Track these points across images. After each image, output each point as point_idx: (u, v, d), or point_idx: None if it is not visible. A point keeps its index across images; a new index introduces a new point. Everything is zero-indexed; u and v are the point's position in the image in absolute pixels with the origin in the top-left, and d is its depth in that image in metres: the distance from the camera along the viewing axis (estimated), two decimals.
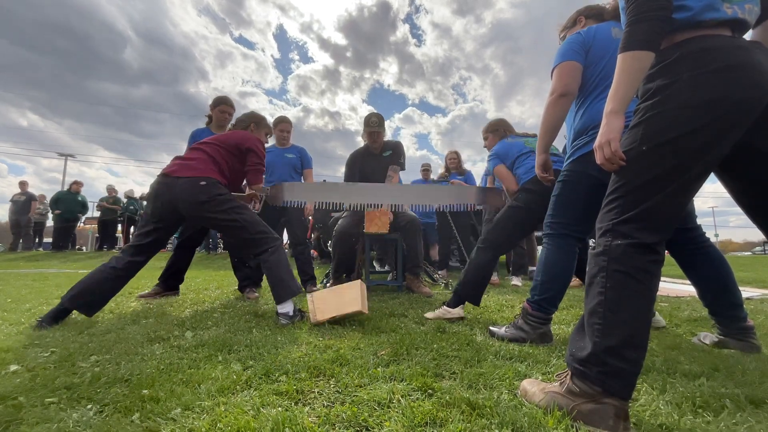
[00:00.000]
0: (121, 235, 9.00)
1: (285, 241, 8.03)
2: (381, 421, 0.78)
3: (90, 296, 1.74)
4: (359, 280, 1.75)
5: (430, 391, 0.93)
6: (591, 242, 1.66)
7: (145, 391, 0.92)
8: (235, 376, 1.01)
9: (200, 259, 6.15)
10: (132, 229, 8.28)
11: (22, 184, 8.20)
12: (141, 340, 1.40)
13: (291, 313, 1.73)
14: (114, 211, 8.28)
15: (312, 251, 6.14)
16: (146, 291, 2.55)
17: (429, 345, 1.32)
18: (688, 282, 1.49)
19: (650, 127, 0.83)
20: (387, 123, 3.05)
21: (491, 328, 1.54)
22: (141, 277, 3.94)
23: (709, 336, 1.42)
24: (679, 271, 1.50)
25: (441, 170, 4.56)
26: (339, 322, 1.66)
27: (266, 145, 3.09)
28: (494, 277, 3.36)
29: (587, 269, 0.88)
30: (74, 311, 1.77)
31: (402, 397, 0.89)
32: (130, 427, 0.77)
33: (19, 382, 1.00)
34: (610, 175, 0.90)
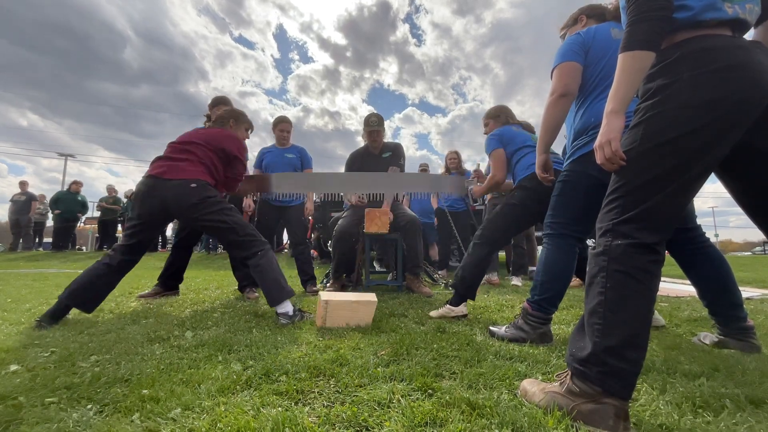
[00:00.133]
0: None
1: (285, 241, 8.03)
2: (381, 421, 0.78)
3: (87, 293, 1.77)
4: (374, 296, 1.71)
5: (430, 391, 0.93)
6: (590, 242, 1.67)
7: (145, 391, 0.92)
8: (235, 376, 1.01)
9: (200, 259, 6.16)
10: None
11: (23, 184, 8.20)
12: (141, 340, 1.40)
13: (291, 313, 1.73)
14: (114, 211, 8.28)
15: (312, 251, 6.14)
16: (146, 291, 2.55)
17: (429, 345, 1.32)
18: (688, 282, 1.49)
19: (650, 126, 0.83)
20: (387, 123, 3.06)
21: (491, 328, 1.54)
22: (141, 277, 3.94)
23: (709, 336, 1.42)
24: (679, 271, 1.50)
25: (441, 170, 4.57)
26: None
27: (266, 145, 3.10)
28: (494, 277, 3.37)
29: (587, 269, 0.88)
30: (72, 312, 1.78)
31: (402, 397, 0.89)
32: (130, 427, 0.77)
33: (19, 382, 1.00)
34: (611, 175, 0.90)
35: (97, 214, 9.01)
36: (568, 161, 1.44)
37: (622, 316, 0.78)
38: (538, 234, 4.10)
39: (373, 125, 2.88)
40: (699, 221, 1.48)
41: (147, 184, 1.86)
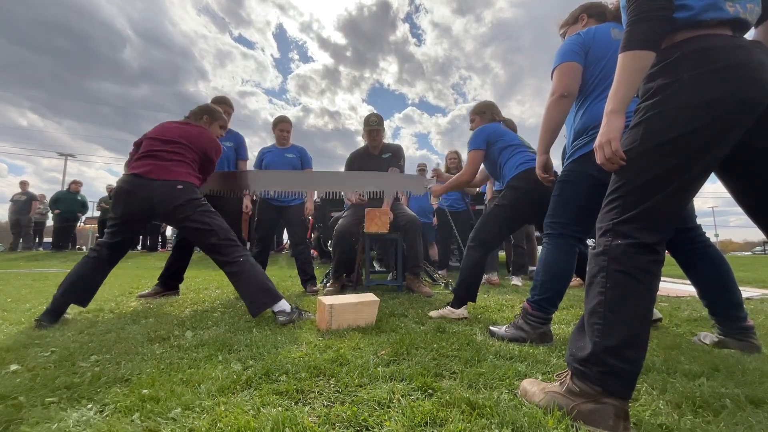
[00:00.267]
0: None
1: (285, 241, 8.01)
2: (381, 421, 0.78)
3: (79, 287, 1.78)
4: (377, 299, 1.71)
5: (430, 390, 0.93)
6: (590, 242, 1.67)
7: (145, 390, 0.92)
8: (235, 376, 1.01)
9: (200, 259, 6.15)
10: None
11: (23, 184, 8.20)
12: (141, 340, 1.40)
13: (288, 310, 1.72)
14: None
15: (312, 251, 6.14)
16: (146, 291, 2.55)
17: (429, 345, 1.32)
18: (688, 282, 1.49)
19: (650, 126, 0.83)
20: (387, 123, 3.07)
21: (491, 327, 1.54)
22: (141, 277, 3.94)
23: (709, 336, 1.42)
24: (679, 271, 1.50)
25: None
26: None
27: (266, 145, 3.10)
28: (494, 277, 3.37)
29: (587, 269, 0.88)
30: (72, 312, 1.78)
31: (402, 396, 0.89)
32: (130, 427, 0.77)
33: (19, 381, 1.00)
34: (611, 175, 0.90)
35: (97, 213, 9.01)
36: (568, 161, 1.44)
37: (622, 316, 0.78)
38: (539, 234, 4.09)
39: (373, 125, 2.89)
40: (699, 221, 1.48)
41: (131, 183, 1.83)
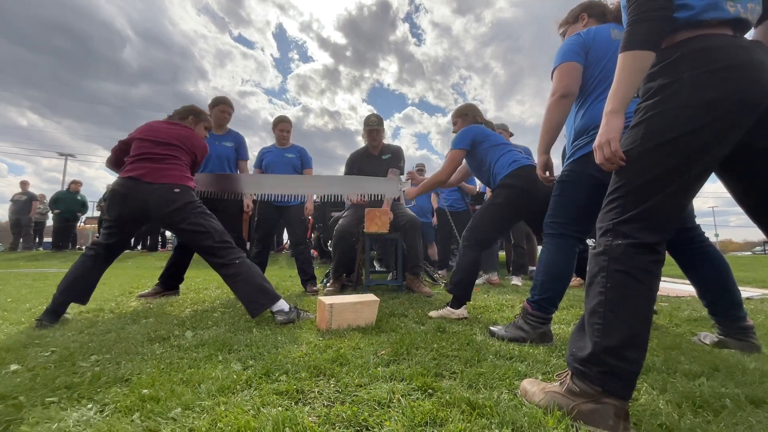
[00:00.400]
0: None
1: (285, 241, 8.00)
2: (381, 421, 0.78)
3: (78, 286, 1.79)
4: (377, 299, 1.71)
5: (430, 390, 0.93)
6: (590, 242, 1.67)
7: (146, 390, 0.92)
8: (235, 376, 1.01)
9: (200, 259, 6.15)
10: None
11: (23, 184, 8.20)
12: (141, 340, 1.40)
13: (287, 309, 1.72)
14: None
15: (312, 251, 6.14)
16: (146, 291, 2.56)
17: (429, 345, 1.32)
18: (688, 282, 1.49)
19: (651, 126, 0.83)
20: (387, 123, 3.09)
21: (491, 327, 1.54)
22: (141, 276, 3.94)
23: (709, 336, 1.42)
24: (679, 271, 1.50)
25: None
26: None
27: (266, 145, 3.10)
28: (494, 277, 3.36)
29: (588, 269, 0.88)
30: (72, 311, 1.78)
31: (402, 396, 0.89)
32: (131, 427, 0.77)
33: (19, 381, 1.00)
34: (611, 175, 0.90)
35: (97, 213, 9.02)
36: (568, 161, 1.44)
37: (622, 316, 0.78)
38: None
39: (373, 125, 2.90)
40: (699, 221, 1.48)
41: (127, 186, 1.83)
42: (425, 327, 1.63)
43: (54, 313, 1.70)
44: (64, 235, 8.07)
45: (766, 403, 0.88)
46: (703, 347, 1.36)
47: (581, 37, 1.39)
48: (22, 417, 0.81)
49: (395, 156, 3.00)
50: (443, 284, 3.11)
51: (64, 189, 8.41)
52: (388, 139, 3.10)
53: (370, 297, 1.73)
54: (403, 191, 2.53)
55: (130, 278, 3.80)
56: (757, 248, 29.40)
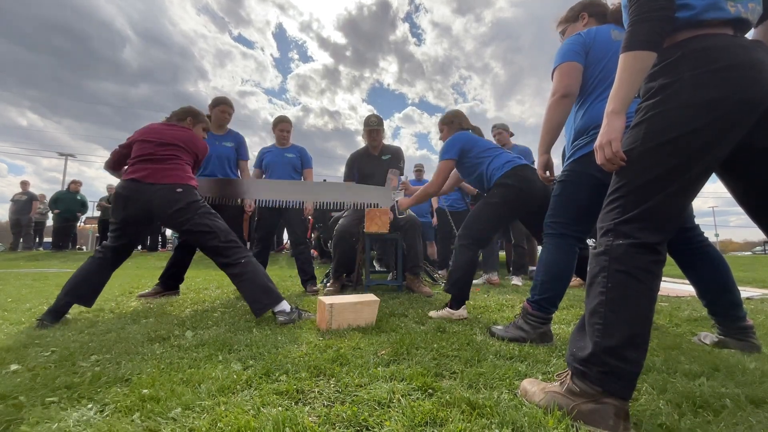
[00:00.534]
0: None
1: (285, 241, 8.01)
2: (381, 421, 0.78)
3: (84, 288, 1.79)
4: (377, 298, 1.71)
5: (430, 390, 0.93)
6: (590, 242, 1.67)
7: (146, 390, 0.92)
8: (235, 376, 1.01)
9: (200, 259, 6.15)
10: None
11: (24, 184, 8.20)
12: (141, 340, 1.40)
13: (288, 310, 1.73)
14: None
15: (312, 251, 6.14)
16: (146, 291, 2.56)
17: (429, 345, 1.32)
18: (688, 282, 1.48)
19: (652, 126, 0.83)
20: (387, 123, 3.10)
21: (491, 327, 1.54)
22: (141, 276, 3.94)
23: (709, 336, 1.42)
24: (679, 271, 1.50)
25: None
26: None
27: (266, 145, 3.11)
28: (494, 277, 3.36)
29: (588, 269, 0.88)
30: (73, 311, 1.79)
31: (402, 396, 0.89)
32: (131, 427, 0.77)
33: (19, 381, 1.00)
34: (611, 175, 0.90)
35: (97, 213, 9.01)
36: (568, 161, 1.43)
37: (622, 316, 0.78)
38: None
39: (373, 125, 2.91)
40: (699, 221, 1.48)
41: (129, 188, 1.83)
42: (425, 327, 1.63)
43: (56, 314, 1.71)
44: (64, 235, 8.07)
45: (767, 403, 0.88)
46: (703, 347, 1.36)
47: (581, 37, 1.39)
48: (22, 417, 0.81)
49: (395, 156, 3.00)
50: (443, 284, 3.11)
51: (64, 189, 8.41)
52: (388, 139, 3.11)
53: (370, 297, 1.73)
54: (396, 201, 2.54)
55: (130, 278, 3.80)
56: (757, 248, 29.39)
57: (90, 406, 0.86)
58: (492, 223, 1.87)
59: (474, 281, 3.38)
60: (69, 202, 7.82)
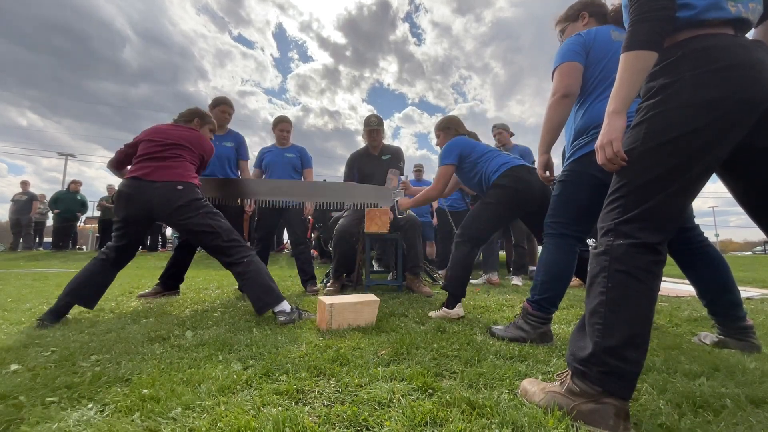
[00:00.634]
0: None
1: (285, 241, 8.01)
2: (381, 421, 0.78)
3: (86, 289, 1.79)
4: (377, 298, 1.71)
5: (430, 390, 0.93)
6: (591, 242, 1.67)
7: (146, 390, 0.92)
8: (235, 376, 1.01)
9: (200, 258, 6.16)
10: None
11: (24, 184, 8.20)
12: (141, 340, 1.40)
13: (288, 310, 1.73)
14: None
15: (312, 251, 6.14)
16: (146, 290, 2.56)
17: (429, 345, 1.32)
18: (688, 282, 1.48)
19: (652, 126, 0.83)
20: (387, 122, 3.10)
21: (491, 327, 1.54)
22: (141, 276, 3.94)
23: (709, 336, 1.42)
24: (679, 271, 1.50)
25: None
26: None
27: (266, 145, 3.11)
28: (494, 277, 3.36)
29: (589, 269, 0.88)
30: (73, 311, 1.79)
31: (402, 396, 0.89)
32: (131, 427, 0.77)
33: (19, 381, 1.00)
34: (612, 175, 0.90)
35: (98, 213, 9.01)
36: (568, 161, 1.43)
37: (623, 316, 0.78)
38: None
39: (373, 125, 2.92)
40: (699, 221, 1.48)
41: (131, 186, 1.84)
42: (425, 327, 1.63)
43: (56, 314, 1.70)
44: (64, 235, 8.07)
45: (767, 403, 0.88)
46: (703, 347, 1.36)
47: (582, 38, 1.39)
48: (23, 417, 0.81)
49: (395, 156, 3.01)
50: (443, 284, 3.11)
51: (64, 189, 8.41)
52: (388, 139, 3.11)
53: (370, 297, 1.73)
54: (396, 201, 2.55)
55: (130, 278, 3.80)
56: (758, 248, 29.38)
57: (90, 406, 0.86)
58: (490, 223, 1.88)
59: (474, 281, 3.39)
60: (69, 202, 7.82)
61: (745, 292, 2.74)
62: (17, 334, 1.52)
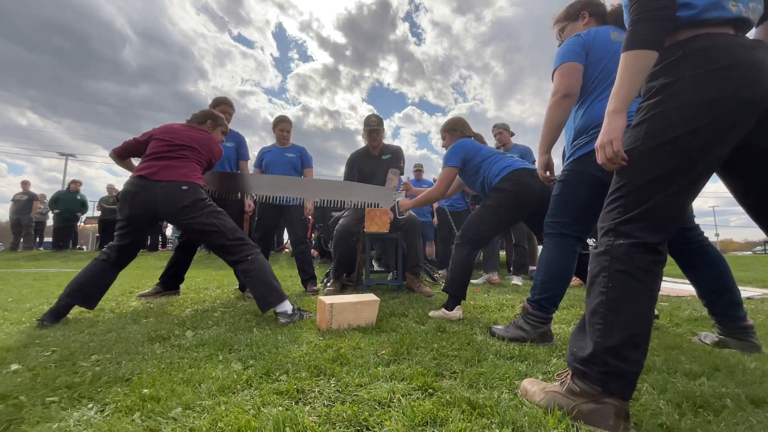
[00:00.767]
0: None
1: (285, 241, 8.01)
2: (381, 421, 0.78)
3: (87, 289, 1.79)
4: (377, 298, 1.72)
5: (430, 390, 0.93)
6: (591, 242, 1.67)
7: (146, 390, 0.92)
8: (235, 376, 1.01)
9: (201, 258, 6.17)
10: None
11: (24, 184, 8.20)
12: (142, 340, 1.40)
13: (290, 311, 1.73)
14: (114, 211, 8.28)
15: (312, 251, 6.14)
16: (146, 290, 2.56)
17: (429, 344, 1.32)
18: (688, 282, 1.48)
19: (652, 126, 0.83)
20: (387, 122, 3.10)
21: (491, 327, 1.54)
22: (141, 276, 3.95)
23: (709, 336, 1.42)
24: (679, 271, 1.50)
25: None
26: None
27: (266, 145, 3.11)
28: (495, 277, 3.36)
29: (589, 269, 0.88)
30: (73, 311, 1.79)
31: (402, 396, 0.89)
32: (131, 427, 0.77)
33: (20, 381, 1.00)
34: (612, 174, 0.90)
35: (98, 213, 9.02)
36: (568, 161, 1.43)
37: (623, 316, 0.78)
38: None
39: (373, 125, 2.92)
40: (699, 221, 1.48)
41: (136, 185, 1.84)
42: (425, 327, 1.63)
43: (56, 314, 1.70)
44: (65, 235, 8.07)
45: (767, 403, 0.88)
46: (703, 347, 1.36)
47: (581, 38, 1.39)
48: (23, 417, 0.81)
49: (395, 156, 3.01)
50: (443, 284, 3.11)
51: (64, 189, 8.42)
52: (388, 139, 3.11)
53: (371, 297, 1.73)
54: (397, 201, 2.55)
55: (131, 278, 3.80)
56: (758, 248, 29.36)
57: (90, 405, 0.86)
58: (491, 226, 1.88)
59: (474, 281, 3.38)
60: (69, 202, 7.82)
61: (745, 291, 2.74)
62: (18, 334, 1.52)
